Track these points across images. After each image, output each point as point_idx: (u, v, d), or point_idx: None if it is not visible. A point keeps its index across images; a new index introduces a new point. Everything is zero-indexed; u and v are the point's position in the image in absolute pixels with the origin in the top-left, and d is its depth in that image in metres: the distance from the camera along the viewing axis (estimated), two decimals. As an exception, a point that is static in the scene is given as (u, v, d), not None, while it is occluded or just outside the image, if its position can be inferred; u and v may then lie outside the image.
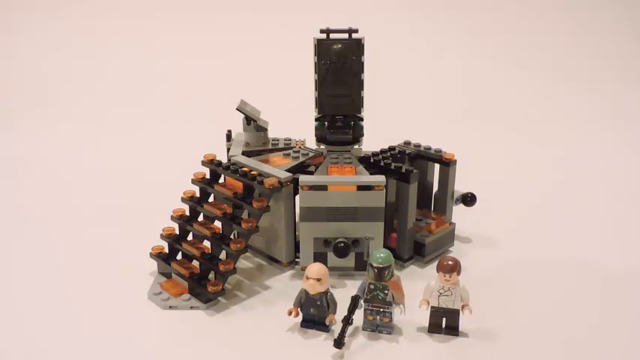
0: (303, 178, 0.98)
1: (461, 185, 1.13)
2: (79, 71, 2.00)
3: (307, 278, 0.85)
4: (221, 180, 1.06)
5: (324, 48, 1.04)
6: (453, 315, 0.86)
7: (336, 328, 0.84)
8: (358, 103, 1.08)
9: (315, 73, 1.06)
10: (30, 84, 1.97)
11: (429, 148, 1.12)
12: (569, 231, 1.20)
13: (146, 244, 1.04)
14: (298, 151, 1.11)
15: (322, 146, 1.12)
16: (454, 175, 1.10)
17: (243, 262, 1.07)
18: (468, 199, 1.13)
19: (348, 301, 0.85)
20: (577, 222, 1.24)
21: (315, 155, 1.11)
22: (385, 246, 1.00)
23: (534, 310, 0.93)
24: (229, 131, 1.18)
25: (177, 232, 1.04)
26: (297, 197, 1.01)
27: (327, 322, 0.86)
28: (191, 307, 0.93)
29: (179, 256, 1.02)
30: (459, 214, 1.14)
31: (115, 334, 0.87)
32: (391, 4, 2.03)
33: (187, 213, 1.05)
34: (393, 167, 1.02)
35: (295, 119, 1.25)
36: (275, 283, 1.01)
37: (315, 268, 0.85)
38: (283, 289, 0.99)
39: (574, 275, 1.03)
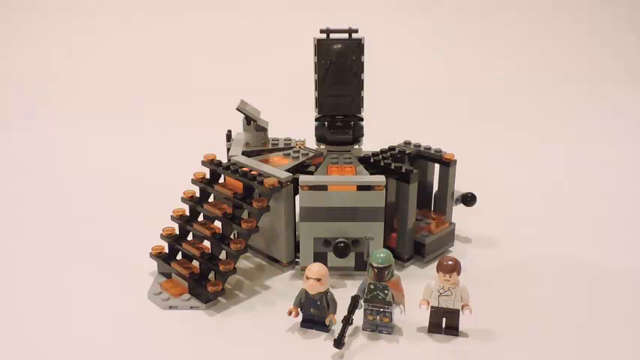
0: (303, 178, 0.98)
1: (461, 185, 1.13)
2: (79, 72, 2.00)
3: (307, 278, 0.85)
4: (221, 180, 1.06)
5: (324, 48, 1.04)
6: (453, 315, 0.86)
7: (336, 328, 0.84)
8: (358, 103, 1.08)
9: (315, 73, 1.06)
10: (30, 85, 1.97)
11: (429, 148, 1.12)
12: (570, 231, 1.20)
13: (146, 244, 1.04)
14: (298, 151, 1.11)
15: (322, 146, 1.12)
16: (454, 175, 1.10)
17: (243, 262, 1.07)
18: (468, 199, 1.13)
19: (348, 301, 0.85)
20: (577, 221, 1.24)
21: (315, 155, 1.11)
22: (385, 246, 1.00)
23: (534, 310, 0.93)
24: (229, 131, 1.18)
25: (177, 232, 1.04)
26: (297, 197, 1.01)
27: (327, 322, 0.86)
28: (191, 307, 0.93)
29: (179, 256, 1.02)
30: (459, 214, 1.14)
31: (115, 334, 0.87)
32: (391, 4, 2.03)
33: (187, 213, 1.05)
34: (393, 167, 1.02)
35: (295, 119, 1.25)
36: (275, 283, 1.01)
37: (315, 268, 0.85)
38: (283, 289, 0.99)
39: (574, 275, 1.03)
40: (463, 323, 0.86)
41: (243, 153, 1.10)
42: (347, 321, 0.83)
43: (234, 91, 1.34)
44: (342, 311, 0.85)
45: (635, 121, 1.82)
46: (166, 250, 1.03)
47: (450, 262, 0.83)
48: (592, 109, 1.86)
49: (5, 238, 1.17)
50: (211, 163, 1.05)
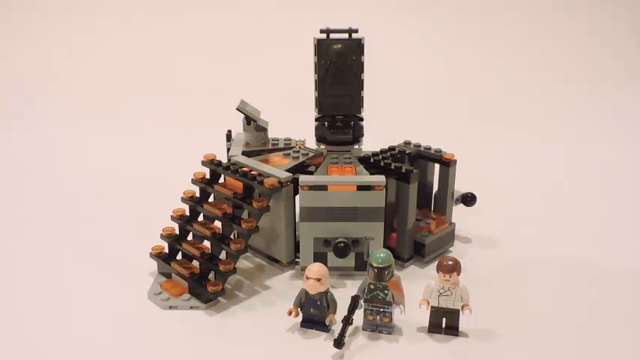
0: (303, 178, 0.98)
1: (461, 185, 1.13)
2: (79, 72, 2.00)
3: (307, 278, 0.85)
4: (221, 180, 1.06)
5: (324, 48, 1.04)
6: (453, 315, 0.86)
7: (336, 328, 0.84)
8: (358, 103, 1.08)
9: (315, 73, 1.06)
10: (30, 85, 1.97)
11: (429, 148, 1.12)
12: (570, 230, 1.20)
13: (146, 244, 1.04)
14: (298, 151, 1.11)
15: (322, 146, 1.12)
16: (454, 175, 1.10)
17: (243, 262, 1.07)
18: (468, 199, 1.13)
19: (348, 301, 0.85)
20: (577, 221, 1.24)
21: (315, 155, 1.11)
22: (385, 246, 1.00)
23: (534, 310, 0.93)
24: (229, 131, 1.18)
25: (177, 232, 1.04)
26: (297, 197, 1.01)
27: (327, 322, 0.86)
28: (191, 307, 0.93)
29: (179, 256, 1.02)
30: (459, 214, 1.14)
31: (115, 334, 0.87)
32: (391, 4, 2.03)
33: (187, 213, 1.05)
34: (393, 167, 1.02)
35: (295, 119, 1.25)
36: (275, 283, 1.01)
37: (315, 268, 0.85)
38: (283, 289, 0.99)
39: (574, 275, 1.03)
40: (463, 323, 0.86)
41: (243, 153, 1.10)
42: (347, 321, 0.83)
43: (234, 91, 1.34)
44: (342, 311, 0.85)
45: (635, 121, 1.82)
46: (166, 250, 1.03)
47: (450, 262, 0.83)
48: (592, 109, 1.86)
49: (5, 238, 1.17)
50: (211, 163, 1.05)
